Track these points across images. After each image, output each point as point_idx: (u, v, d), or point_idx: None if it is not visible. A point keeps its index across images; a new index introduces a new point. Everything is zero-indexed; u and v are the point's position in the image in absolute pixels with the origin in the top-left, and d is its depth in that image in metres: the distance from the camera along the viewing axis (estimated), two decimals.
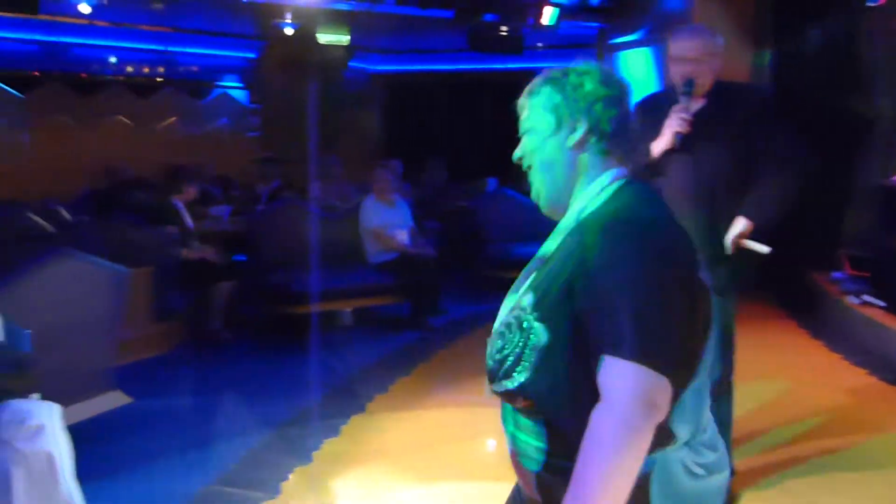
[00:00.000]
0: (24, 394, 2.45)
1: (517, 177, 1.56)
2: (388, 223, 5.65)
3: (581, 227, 1.30)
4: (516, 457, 1.34)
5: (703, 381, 1.30)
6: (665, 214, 1.31)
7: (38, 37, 7.44)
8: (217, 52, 8.63)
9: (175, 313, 5.01)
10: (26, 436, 2.31)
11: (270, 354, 5.04)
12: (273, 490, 3.16)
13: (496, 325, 1.35)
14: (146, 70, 8.39)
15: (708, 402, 1.34)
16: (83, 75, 7.85)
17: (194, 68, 8.82)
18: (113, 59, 8.19)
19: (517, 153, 1.42)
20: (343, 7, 6.94)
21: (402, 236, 5.66)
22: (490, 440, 3.67)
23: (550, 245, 1.36)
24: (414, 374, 4.65)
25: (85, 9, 6.23)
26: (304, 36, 7.41)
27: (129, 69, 8.31)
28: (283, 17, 7.23)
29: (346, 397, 4.21)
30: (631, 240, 1.23)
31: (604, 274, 1.21)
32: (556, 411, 1.26)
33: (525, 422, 1.30)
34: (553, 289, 1.27)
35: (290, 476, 3.29)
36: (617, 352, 1.16)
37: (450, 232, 6.47)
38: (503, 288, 1.44)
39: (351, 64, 8.34)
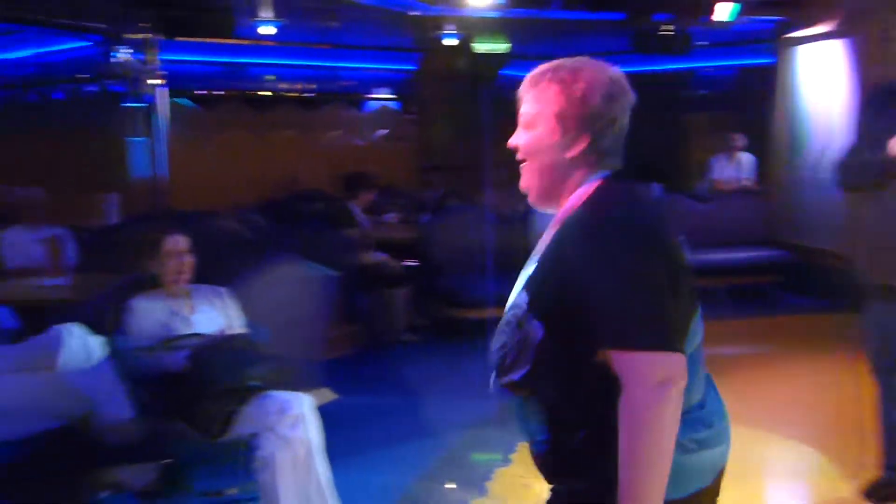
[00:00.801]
0: (282, 386, 2.64)
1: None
2: None
3: (566, 227, 1.37)
4: (528, 444, 1.44)
5: (695, 354, 1.37)
6: (640, 207, 1.39)
7: (220, 58, 8.04)
8: (376, 65, 8.98)
9: (356, 316, 5.24)
10: (288, 424, 2.50)
11: (449, 357, 5.15)
12: (479, 490, 3.24)
13: (500, 322, 1.44)
14: (312, 85, 8.85)
15: (702, 378, 1.41)
16: (258, 92, 8.38)
17: (354, 82, 9.21)
18: (283, 77, 8.70)
19: (512, 142, 1.46)
20: (507, 15, 7.02)
21: None
22: None
23: (543, 243, 1.41)
24: None
25: (268, 31, 6.66)
26: (462, 46, 7.57)
27: (298, 85, 8.79)
28: (443, 29, 7.42)
29: None
30: (610, 237, 1.31)
31: (590, 271, 1.29)
32: (557, 400, 1.36)
33: (530, 410, 1.40)
34: (545, 287, 1.35)
35: (492, 476, 3.36)
36: (620, 345, 1.25)
37: None
38: None
39: (505, 72, 8.43)
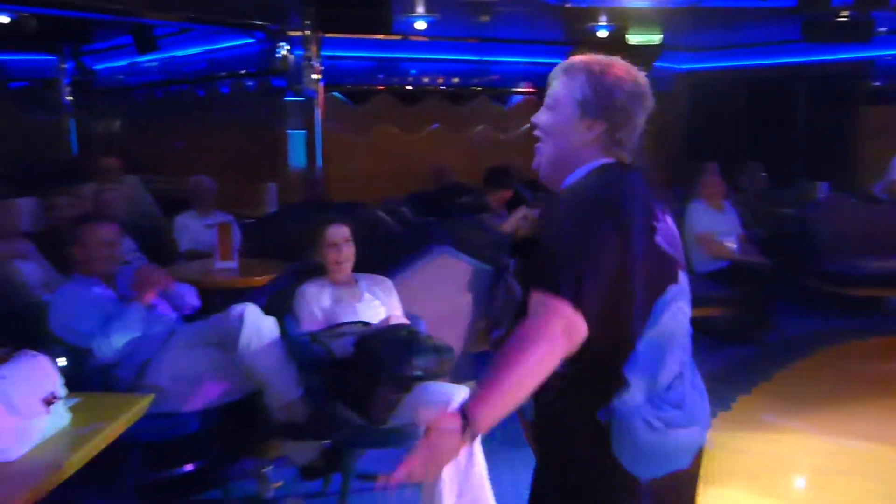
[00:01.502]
0: (440, 377, 2.66)
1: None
2: (717, 229, 5.38)
3: (553, 200, 1.53)
4: (518, 412, 1.50)
5: (663, 337, 1.44)
6: (613, 188, 1.47)
7: (372, 53, 8.28)
8: (524, 59, 8.92)
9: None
10: None
11: None
12: None
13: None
14: (458, 80, 8.92)
15: (673, 360, 1.45)
16: (408, 87, 8.55)
17: (501, 76, 9.19)
18: (431, 71, 8.83)
19: (534, 119, 1.59)
20: (663, 5, 6.75)
21: (732, 243, 5.35)
22: (861, 480, 3.30)
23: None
24: (755, 392, 4.35)
25: (421, 25, 6.77)
26: (616, 37, 7.36)
27: (444, 80, 8.89)
28: (597, 21, 7.25)
29: None
30: (572, 204, 1.46)
31: (547, 232, 1.47)
32: None
33: None
34: (527, 251, 1.53)
35: None
36: (536, 286, 1.36)
37: (775, 241, 5.98)
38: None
39: (659, 64, 8.13)
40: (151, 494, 2.95)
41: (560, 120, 1.53)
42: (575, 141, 1.52)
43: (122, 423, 2.02)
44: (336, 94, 8.18)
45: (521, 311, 1.40)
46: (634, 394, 1.41)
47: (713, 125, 8.61)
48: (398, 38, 7.79)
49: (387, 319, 2.94)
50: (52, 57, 10.90)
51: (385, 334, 2.71)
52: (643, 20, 7.20)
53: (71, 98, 11.12)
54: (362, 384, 2.60)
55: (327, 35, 6.50)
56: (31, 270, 3.82)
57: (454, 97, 8.90)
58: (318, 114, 6.52)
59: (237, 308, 2.85)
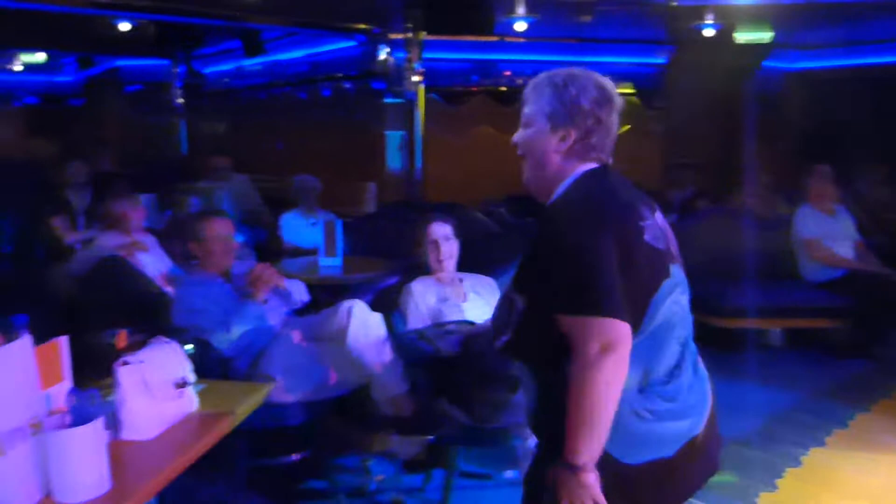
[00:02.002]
0: None
1: None
2: (827, 234, 5.11)
3: (544, 213, 1.60)
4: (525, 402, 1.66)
5: (660, 332, 1.52)
6: (600, 192, 1.56)
7: (470, 55, 8.32)
8: (622, 59, 8.75)
9: None
10: None
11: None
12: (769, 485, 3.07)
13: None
14: None
15: (670, 353, 1.55)
16: (504, 88, 8.55)
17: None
18: (528, 72, 8.79)
19: (514, 139, 1.69)
20: (772, 2, 6.48)
21: (846, 250, 5.07)
22: None
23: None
24: (874, 410, 4.11)
25: (521, 27, 6.75)
26: (722, 36, 7.11)
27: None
28: (703, 19, 7.02)
29: (798, 425, 3.88)
30: (563, 215, 1.56)
31: (546, 245, 1.54)
32: (535, 360, 1.60)
33: (524, 371, 1.65)
34: (526, 263, 1.58)
35: (757, 500, 3.13)
36: (568, 311, 1.45)
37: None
38: None
39: (768, 63, 7.81)
40: (259, 481, 3.06)
41: (535, 136, 1.64)
42: (552, 152, 1.62)
43: (246, 410, 2.11)
44: (434, 95, 8.27)
45: (522, 321, 1.56)
46: (627, 386, 1.49)
47: (830, 127, 8.19)
48: (495, 38, 7.80)
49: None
50: (165, 61, 11.50)
51: (490, 334, 2.71)
52: (752, 18, 6.93)
53: (182, 100, 11.70)
54: (469, 383, 2.62)
55: (438, 37, 6.55)
56: (152, 263, 4.04)
57: None
58: (419, 115, 6.60)
59: (346, 304, 2.92)
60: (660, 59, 8.55)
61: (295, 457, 3.44)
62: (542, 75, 1.67)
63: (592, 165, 1.61)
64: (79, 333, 1.95)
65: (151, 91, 12.44)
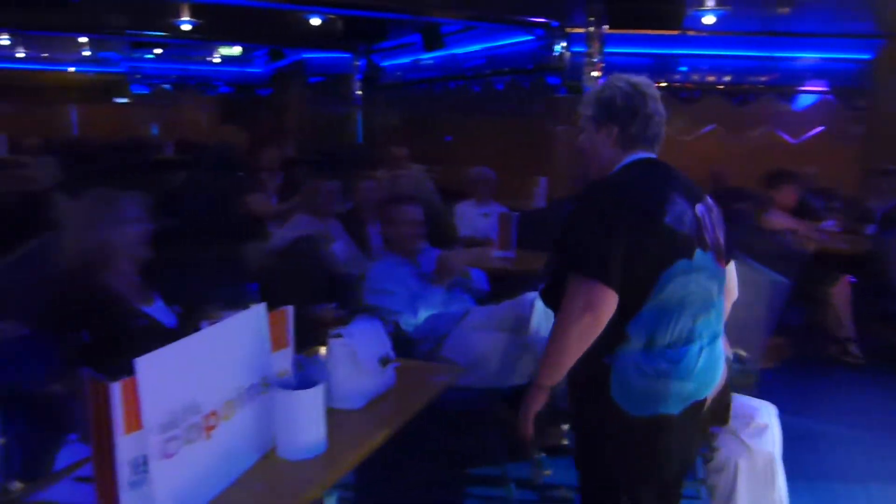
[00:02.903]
0: (744, 390, 2.52)
1: None
2: None
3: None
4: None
5: (669, 303, 1.76)
6: (641, 179, 1.86)
7: (651, 50, 8.07)
8: (819, 54, 8.13)
9: (786, 326, 4.80)
10: (752, 432, 2.37)
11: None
12: None
13: None
14: (740, 78, 8.37)
15: (680, 324, 1.78)
16: (687, 84, 8.22)
17: (786, 73, 8.46)
18: (712, 68, 8.39)
19: (575, 146, 2.01)
20: None
21: None
22: None
23: None
24: None
25: (709, 20, 6.45)
26: None
27: (725, 77, 8.40)
28: None
29: None
30: (593, 196, 1.88)
31: (571, 216, 1.84)
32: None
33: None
34: (562, 229, 1.86)
35: None
36: (570, 269, 1.78)
37: None
38: None
39: None
40: (433, 461, 3.16)
41: (587, 137, 1.97)
42: (601, 146, 1.94)
43: (439, 388, 2.18)
44: None
45: (555, 275, 1.89)
46: (633, 346, 1.78)
47: None
48: (677, 32, 7.50)
49: None
50: (347, 55, 12.12)
51: None
52: None
53: (360, 92, 12.28)
54: None
55: (620, 31, 6.41)
56: (339, 247, 4.27)
57: (736, 95, 8.37)
58: None
59: (530, 295, 2.93)
60: (864, 55, 7.84)
61: (465, 442, 3.53)
62: (588, 91, 2.10)
63: (640, 155, 1.91)
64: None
65: (332, 83, 13.16)
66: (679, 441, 1.85)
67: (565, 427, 3.19)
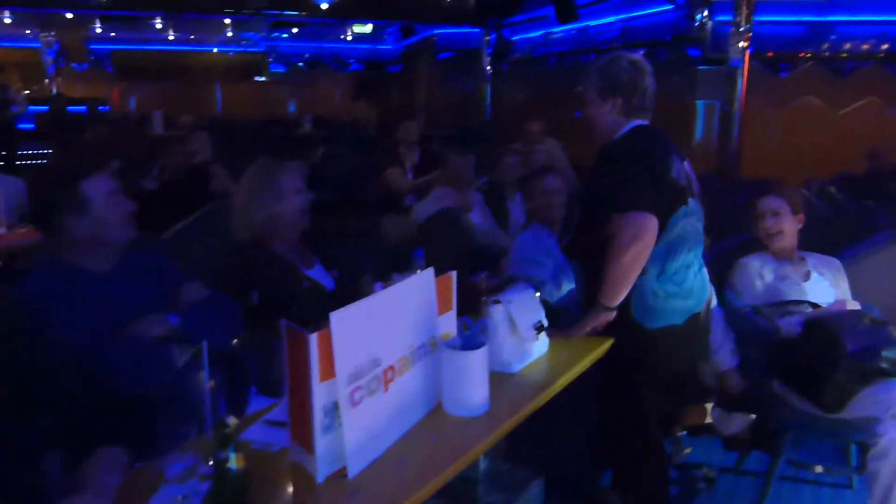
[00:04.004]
0: None
1: None
2: None
3: (605, 150, 2.39)
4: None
5: (674, 241, 2.29)
6: (646, 141, 2.33)
7: (804, 17, 7.58)
8: None
9: None
10: None
11: None
12: None
13: None
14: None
15: (682, 256, 2.32)
16: (841, 54, 7.68)
17: None
18: (870, 36, 7.78)
19: (580, 114, 2.47)
20: None
21: None
22: None
23: None
24: None
25: None
26: None
27: (885, 46, 7.76)
28: None
29: None
30: (622, 152, 2.32)
31: (607, 168, 2.33)
32: (589, 256, 2.38)
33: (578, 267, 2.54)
34: (588, 184, 2.52)
35: None
36: (616, 209, 2.21)
37: None
38: None
39: None
40: (574, 431, 3.20)
41: (593, 107, 2.40)
42: (606, 115, 2.37)
43: (592, 358, 2.21)
44: (753, 62, 7.70)
45: (580, 227, 2.46)
46: (650, 276, 2.28)
47: None
48: None
49: (841, 303, 2.72)
50: (477, 30, 12.15)
51: (845, 319, 2.51)
52: None
53: (489, 68, 12.30)
54: (815, 367, 2.46)
55: None
56: (478, 219, 4.36)
57: (892, 65, 7.71)
58: (742, 84, 6.18)
59: None
60: None
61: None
62: (590, 63, 2.47)
63: (638, 122, 2.35)
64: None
65: (462, 58, 13.24)
66: (682, 345, 2.37)
67: (709, 406, 3.14)
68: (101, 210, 1.99)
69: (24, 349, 1.52)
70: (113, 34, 16.53)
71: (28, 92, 16.11)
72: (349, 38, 18.39)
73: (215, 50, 18.84)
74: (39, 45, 14.45)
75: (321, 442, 1.48)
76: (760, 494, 2.72)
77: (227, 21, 15.82)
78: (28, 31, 14.93)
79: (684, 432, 3.17)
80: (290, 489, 1.47)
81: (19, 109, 8.46)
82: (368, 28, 16.65)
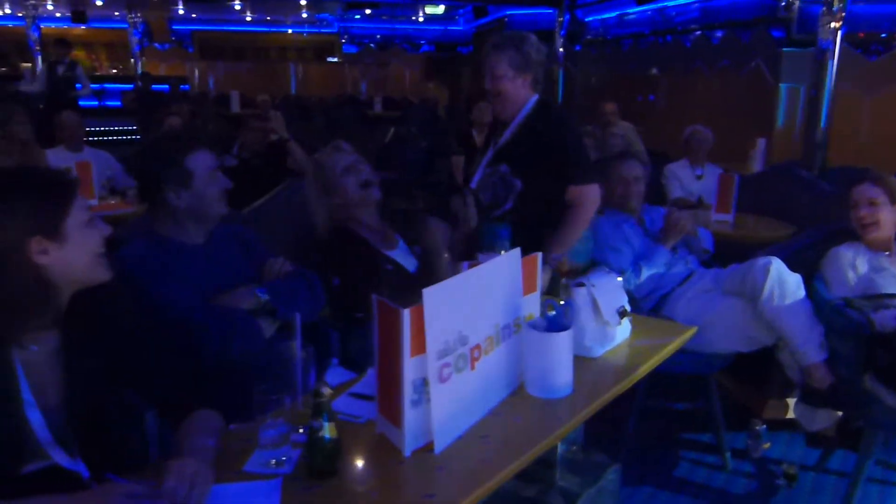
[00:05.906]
0: None
1: None
2: None
3: (524, 126, 2.76)
4: None
5: None
6: (566, 114, 2.96)
7: None
8: None
9: None
10: None
11: None
12: None
13: (481, 181, 2.90)
14: None
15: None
16: None
17: None
18: None
19: (487, 86, 2.78)
20: None
21: None
22: None
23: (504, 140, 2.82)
24: None
25: None
26: None
27: None
28: None
29: None
30: (567, 125, 2.79)
31: (559, 142, 2.72)
32: (534, 225, 2.67)
33: (514, 237, 2.39)
34: (523, 158, 2.75)
35: None
36: (575, 181, 2.70)
37: None
38: None
39: None
40: (649, 420, 3.16)
41: (506, 80, 2.71)
42: (521, 90, 2.73)
43: (674, 346, 2.17)
44: (844, 43, 7.33)
45: (522, 195, 2.72)
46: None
47: None
48: None
49: None
50: (551, 10, 11.96)
51: None
52: None
53: (562, 49, 12.09)
54: None
55: None
56: None
57: None
58: (833, 67, 5.89)
59: (763, 260, 2.80)
60: None
61: (682, 405, 3.48)
62: (500, 37, 2.76)
63: (538, 96, 2.78)
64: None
65: None
66: None
67: (791, 400, 3.05)
68: (201, 185, 2.05)
69: (125, 313, 1.58)
70: (194, 14, 17.00)
71: (115, 71, 16.73)
72: (421, 19, 18.40)
73: (290, 31, 19.16)
74: (126, 25, 14.97)
75: (410, 416, 1.49)
76: (847, 495, 2.62)
77: (303, 2, 16.04)
78: (116, 14, 15.49)
79: (764, 426, 3.09)
80: (378, 461, 1.50)
81: (83, 90, 8.81)
82: (440, 9, 16.59)
